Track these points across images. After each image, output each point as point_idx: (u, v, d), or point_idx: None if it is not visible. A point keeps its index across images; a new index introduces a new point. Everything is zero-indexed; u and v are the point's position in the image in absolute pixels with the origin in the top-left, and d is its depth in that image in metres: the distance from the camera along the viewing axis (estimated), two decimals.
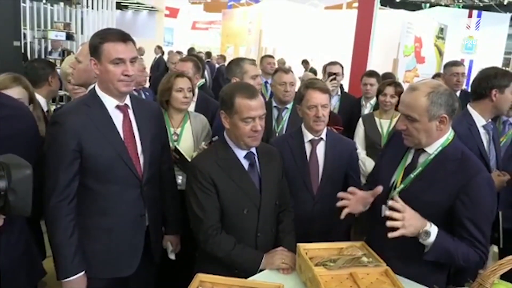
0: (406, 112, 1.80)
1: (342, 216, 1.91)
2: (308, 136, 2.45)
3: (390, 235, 1.65)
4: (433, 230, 1.71)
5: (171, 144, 2.60)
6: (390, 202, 1.72)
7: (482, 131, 2.59)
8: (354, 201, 1.93)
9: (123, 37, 1.88)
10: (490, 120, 2.63)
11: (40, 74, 3.09)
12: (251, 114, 1.90)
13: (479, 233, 1.74)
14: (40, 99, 3.05)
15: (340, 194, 1.95)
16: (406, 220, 1.66)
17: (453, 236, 1.76)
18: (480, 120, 2.59)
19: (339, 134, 2.66)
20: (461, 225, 1.75)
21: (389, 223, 1.65)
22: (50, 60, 6.87)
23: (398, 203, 1.69)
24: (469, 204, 1.72)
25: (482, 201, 1.74)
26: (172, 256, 2.34)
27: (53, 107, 3.95)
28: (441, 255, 1.74)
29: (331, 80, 3.95)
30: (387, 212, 1.68)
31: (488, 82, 2.57)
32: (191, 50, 9.96)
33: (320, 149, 2.45)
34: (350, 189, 1.96)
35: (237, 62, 3.04)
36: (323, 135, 2.46)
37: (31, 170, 1.15)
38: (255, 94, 1.95)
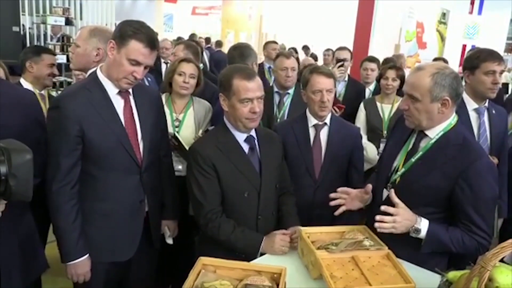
0: (410, 91, 1.80)
1: (337, 213, 1.97)
2: (312, 121, 2.45)
3: (380, 231, 1.71)
4: (423, 226, 1.73)
5: (171, 130, 2.60)
6: (383, 207, 1.73)
7: (473, 114, 2.58)
8: (349, 199, 1.98)
9: (153, 44, 1.84)
10: (486, 103, 2.60)
11: (20, 59, 3.09)
12: (249, 95, 1.91)
13: (479, 219, 1.73)
14: (27, 85, 3.04)
15: (333, 195, 1.99)
16: (397, 223, 1.70)
17: (454, 222, 1.77)
18: (471, 104, 2.57)
19: (344, 120, 2.65)
20: (460, 211, 1.75)
21: (377, 225, 1.69)
22: (49, 45, 6.84)
23: (391, 209, 1.71)
24: (468, 190, 1.71)
25: (482, 187, 1.72)
26: (169, 241, 2.34)
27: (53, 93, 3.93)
28: (436, 246, 1.76)
29: (339, 66, 3.93)
30: (377, 217, 1.70)
31: (463, 65, 2.59)
32: (192, 36, 9.90)
33: (324, 134, 2.45)
34: (342, 189, 2.00)
35: (251, 47, 3.06)
36: (327, 120, 2.46)
37: (32, 154, 1.15)
38: (253, 75, 1.96)
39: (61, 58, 6.59)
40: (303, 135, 2.44)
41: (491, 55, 2.52)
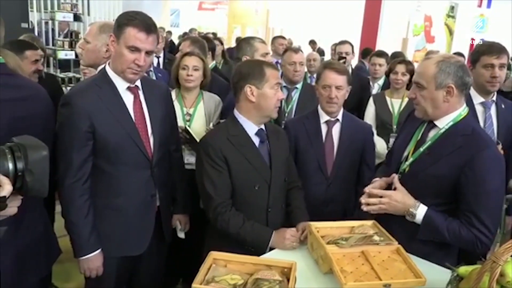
0: (416, 79, 1.84)
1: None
2: (324, 117, 2.45)
3: (366, 208, 1.83)
4: (420, 211, 1.76)
5: (182, 124, 2.61)
6: (368, 190, 1.86)
7: (479, 108, 2.54)
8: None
9: (148, 28, 1.86)
10: (494, 97, 2.55)
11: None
12: (279, 80, 2.03)
13: (482, 212, 1.70)
14: None
15: (365, 201, 1.92)
16: (386, 204, 1.79)
17: (458, 213, 1.75)
18: (476, 97, 2.53)
19: (356, 117, 2.64)
20: (463, 201, 1.73)
21: (364, 208, 1.83)
22: (58, 41, 6.88)
23: (375, 190, 1.84)
24: (472, 179, 1.69)
25: (486, 177, 1.69)
26: (181, 235, 2.36)
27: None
28: (433, 234, 1.76)
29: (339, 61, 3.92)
30: (363, 200, 1.84)
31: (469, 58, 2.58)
32: (191, 30, 9.91)
33: (336, 131, 2.45)
34: (371, 191, 1.92)
35: (248, 40, 3.03)
36: (339, 117, 2.46)
37: (48, 151, 1.16)
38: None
39: (70, 54, 6.63)
40: (315, 131, 2.43)
41: (489, 48, 2.46)
